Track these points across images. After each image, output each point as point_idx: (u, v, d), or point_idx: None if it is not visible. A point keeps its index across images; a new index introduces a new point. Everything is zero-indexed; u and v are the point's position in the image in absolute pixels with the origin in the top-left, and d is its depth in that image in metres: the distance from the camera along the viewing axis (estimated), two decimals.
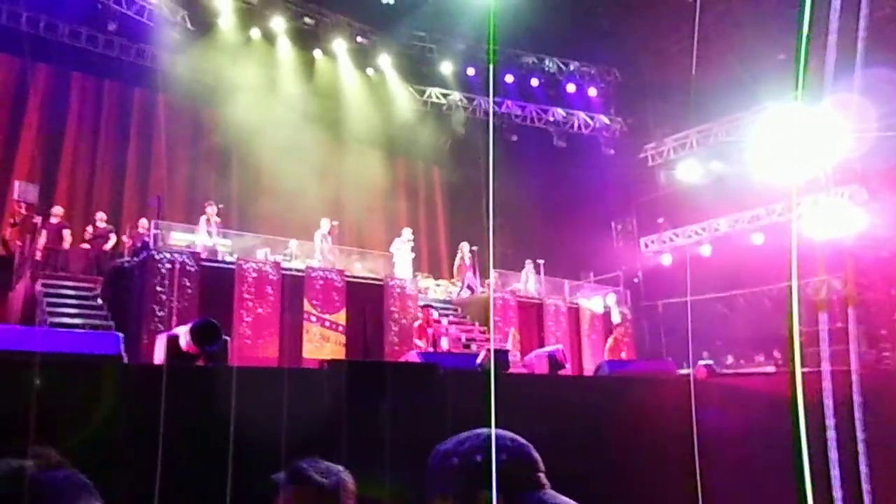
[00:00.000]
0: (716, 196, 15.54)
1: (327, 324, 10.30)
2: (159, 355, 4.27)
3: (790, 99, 14.41)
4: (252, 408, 3.22)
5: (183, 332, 4.08)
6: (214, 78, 13.70)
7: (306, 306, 10.13)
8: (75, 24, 12.90)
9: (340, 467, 1.68)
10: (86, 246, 10.75)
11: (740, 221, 15.27)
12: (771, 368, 12.49)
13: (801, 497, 1.57)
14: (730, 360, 13.90)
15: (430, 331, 10.07)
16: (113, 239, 10.78)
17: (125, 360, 4.01)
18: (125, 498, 2.68)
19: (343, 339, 10.31)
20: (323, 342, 10.17)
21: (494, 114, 17.11)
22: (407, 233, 12.33)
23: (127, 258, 10.41)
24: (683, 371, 7.80)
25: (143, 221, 10.73)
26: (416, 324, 10.26)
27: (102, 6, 12.79)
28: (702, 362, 7.37)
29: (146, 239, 10.11)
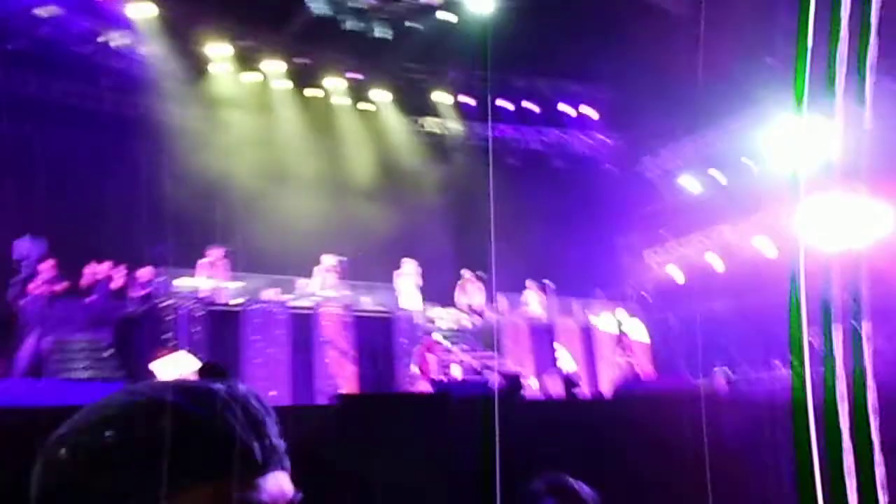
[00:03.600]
0: (718, 203, 15.51)
1: (339, 359, 10.23)
2: None
3: (787, 104, 14.40)
4: None
5: (189, 376, 4.03)
6: (211, 122, 13.84)
7: (315, 343, 10.08)
8: (66, 81, 12.99)
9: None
10: (92, 297, 10.73)
11: (745, 227, 15.19)
12: (787, 373, 12.31)
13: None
14: (745, 367, 13.70)
15: (432, 357, 9.96)
16: (117, 287, 10.77)
17: None
18: None
19: (355, 373, 10.24)
20: (336, 378, 10.10)
21: (491, 139, 17.19)
22: (410, 264, 12.27)
23: (133, 307, 10.40)
24: (700, 382, 7.71)
25: (148, 269, 10.71)
26: (415, 352, 10.13)
27: (94, 62, 12.95)
28: (718, 370, 7.26)
29: (151, 286, 10.11)
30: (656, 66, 15.41)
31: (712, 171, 16.35)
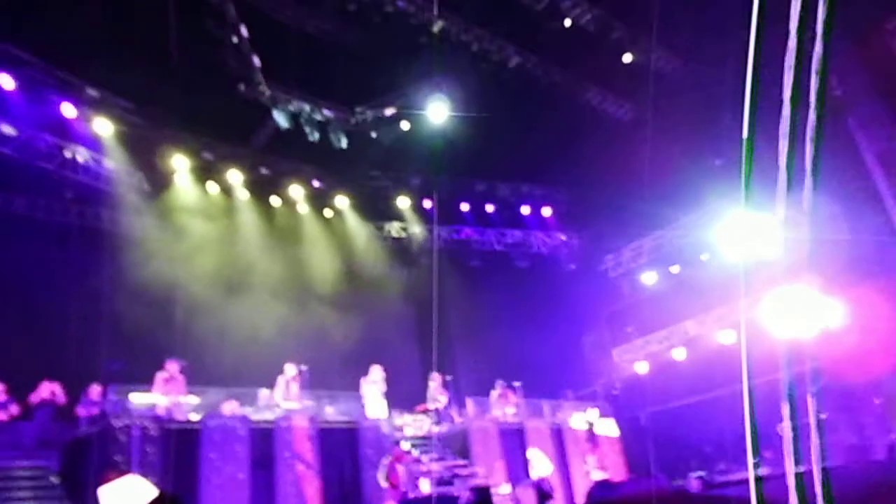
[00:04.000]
0: (680, 298, 15.76)
1: (302, 475, 9.73)
2: None
3: (736, 201, 15.05)
4: None
5: None
6: (173, 234, 13.78)
7: (278, 459, 9.60)
8: (32, 194, 12.96)
9: None
10: (36, 420, 10.17)
11: (707, 321, 15.36)
12: (765, 470, 12.10)
13: None
14: (722, 465, 13.44)
15: (402, 468, 9.50)
16: (64, 407, 10.25)
17: None
18: None
19: (320, 489, 9.71)
20: (299, 497, 9.56)
21: (454, 241, 17.42)
22: (376, 371, 12.01)
23: (83, 428, 9.85)
24: (677, 484, 7.47)
25: (97, 387, 10.28)
26: (385, 463, 9.65)
27: (59, 175, 12.96)
28: (693, 475, 7.06)
29: (103, 405, 9.64)
30: (612, 169, 16.07)
31: (672, 268, 16.72)
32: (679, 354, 15.73)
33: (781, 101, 2.51)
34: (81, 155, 13.24)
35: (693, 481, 6.12)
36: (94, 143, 13.27)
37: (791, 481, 2.56)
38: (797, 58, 2.27)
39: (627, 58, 14.60)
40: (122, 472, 8.08)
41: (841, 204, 12.33)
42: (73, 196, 13.20)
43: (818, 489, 2.59)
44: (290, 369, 11.02)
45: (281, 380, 10.94)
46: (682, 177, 14.78)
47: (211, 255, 13.49)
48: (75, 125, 12.91)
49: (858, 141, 13.05)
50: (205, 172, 14.39)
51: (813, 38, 2.28)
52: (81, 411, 10.30)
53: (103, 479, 7.98)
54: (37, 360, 11.47)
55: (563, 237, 18.30)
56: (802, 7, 2.24)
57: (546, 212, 18.02)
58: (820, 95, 2.29)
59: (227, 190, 14.66)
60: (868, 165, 12.96)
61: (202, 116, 13.25)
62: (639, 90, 15.53)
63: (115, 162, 13.34)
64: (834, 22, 2.20)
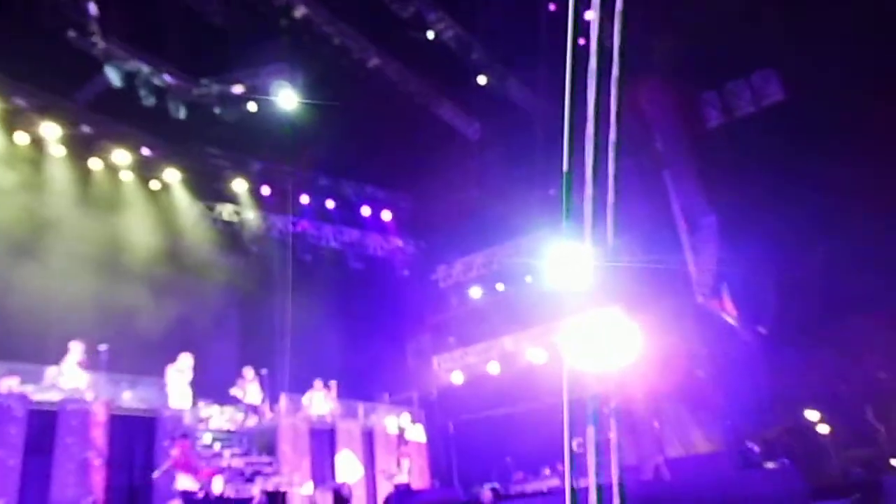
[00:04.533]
0: (502, 315, 16.58)
1: (86, 464, 8.88)
2: None
3: (559, 227, 16.18)
4: None
5: None
6: None
7: (58, 445, 8.69)
8: None
9: None
10: None
11: (523, 339, 16.27)
12: (556, 481, 13.00)
13: None
14: (519, 475, 14.24)
15: (190, 463, 8.92)
16: None
17: None
18: None
19: (104, 482, 8.92)
20: (80, 487, 8.71)
21: (288, 233, 16.95)
22: (185, 359, 11.22)
23: None
24: (472, 493, 7.79)
25: None
26: (174, 454, 8.96)
27: None
28: (487, 486, 7.41)
29: None
30: (455, 184, 16.60)
31: (498, 286, 17.53)
32: (493, 368, 16.50)
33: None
34: None
35: (486, 492, 6.41)
36: None
37: (592, 494, 2.76)
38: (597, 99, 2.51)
39: (482, 79, 15.13)
40: None
41: (647, 240, 13.70)
42: None
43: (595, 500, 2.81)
44: (77, 347, 9.93)
45: (69, 358, 9.86)
46: (519, 200, 15.61)
47: (6, 209, 11.97)
48: None
49: (669, 190, 14.57)
50: (14, 119, 12.75)
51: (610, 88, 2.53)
52: None
53: None
54: None
55: (400, 243, 18.50)
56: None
57: (386, 215, 18.11)
58: (616, 143, 2.53)
59: (38, 142, 13.06)
60: (674, 214, 14.50)
61: (21, 59, 11.76)
62: (489, 112, 16.19)
63: None
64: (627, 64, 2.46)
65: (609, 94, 2.67)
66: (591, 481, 2.89)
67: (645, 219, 13.43)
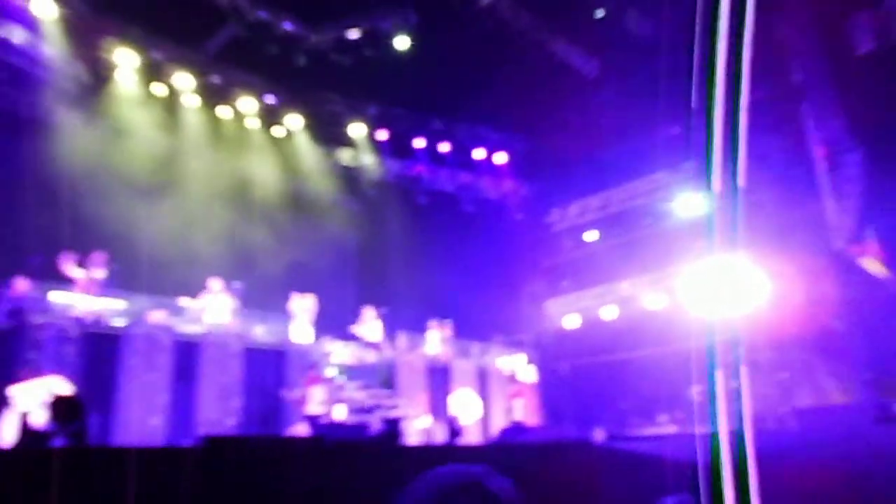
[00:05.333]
0: (619, 259, 16.13)
1: (224, 391, 9.72)
2: (9, 436, 3.78)
3: (686, 171, 15.44)
4: (111, 495, 2.88)
5: (38, 409, 3.65)
6: (112, 131, 13.17)
7: (200, 374, 9.54)
8: None
9: None
10: None
11: (641, 283, 15.81)
12: (673, 429, 12.77)
13: None
14: (634, 421, 14.11)
15: (317, 391, 9.62)
16: None
17: None
18: None
19: (240, 408, 9.75)
20: (220, 412, 9.57)
21: (403, 177, 17.25)
22: (307, 297, 11.86)
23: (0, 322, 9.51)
24: (586, 436, 7.81)
25: (21, 280, 9.86)
26: (303, 383, 9.77)
27: None
28: (599, 427, 7.37)
29: (22, 301, 9.30)
30: (570, 124, 16.08)
31: (615, 229, 17.03)
32: (609, 313, 16.20)
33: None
34: (19, 35, 12.38)
35: (598, 433, 6.39)
36: (32, 25, 12.41)
37: (718, 443, 2.68)
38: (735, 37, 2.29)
39: (600, 13, 14.41)
40: (35, 372, 7.90)
41: (778, 184, 12.72)
42: (6, 78, 12.37)
43: (730, 450, 2.71)
44: (216, 284, 10.79)
45: (208, 294, 10.74)
46: (639, 140, 14.93)
47: (148, 158, 12.98)
48: (13, 4, 12.02)
49: (806, 127, 13.37)
50: (152, 72, 13.67)
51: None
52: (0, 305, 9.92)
53: (16, 378, 7.79)
54: None
55: (514, 185, 18.32)
56: None
57: (500, 158, 17.92)
58: (749, 74, 2.31)
59: (173, 93, 13.99)
60: (812, 152, 13.34)
61: (155, 13, 12.52)
62: (607, 48, 15.43)
63: (53, 48, 12.52)
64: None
65: (742, 20, 2.44)
66: (722, 428, 2.78)
67: (778, 157, 12.45)
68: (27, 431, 3.54)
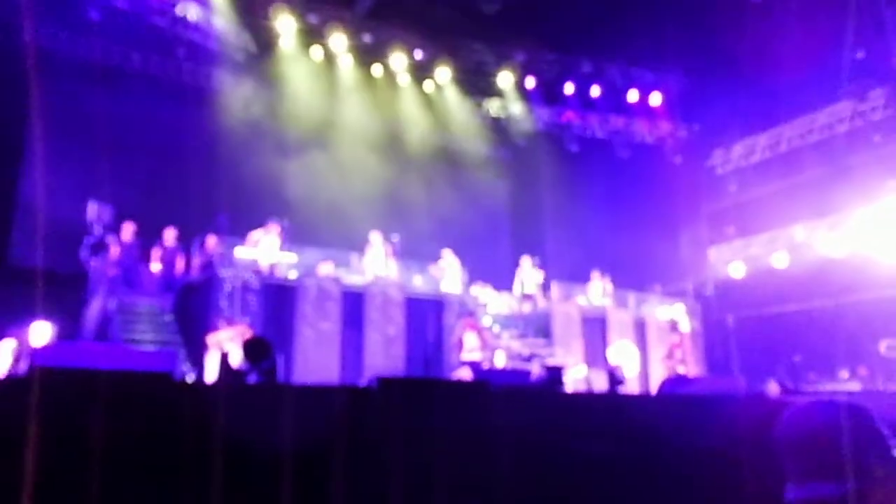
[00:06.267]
0: (790, 202, 14.81)
1: (389, 338, 10.31)
2: (211, 373, 4.30)
3: (871, 98, 13.72)
4: (297, 426, 3.16)
5: (234, 349, 4.11)
6: (277, 97, 14.12)
7: (366, 321, 10.17)
8: (147, 51, 13.47)
9: None
10: (156, 265, 11.07)
11: (816, 228, 14.45)
12: (856, 385, 11.73)
13: None
14: (811, 376, 13.13)
15: (472, 336, 9.88)
16: (181, 260, 11.05)
17: (182, 377, 4.05)
18: None
19: (404, 355, 10.30)
20: (386, 357, 10.19)
21: (555, 125, 16.89)
22: (451, 253, 12.05)
23: (195, 275, 10.70)
24: (754, 389, 7.39)
25: (213, 238, 10.95)
26: (459, 329, 10.10)
27: (171, 33, 13.33)
28: (772, 379, 6.92)
29: (213, 256, 10.38)
30: (734, 56, 14.76)
31: (786, 168, 15.62)
32: (780, 260, 14.98)
33: None
34: (193, 12, 13.48)
35: (772, 385, 6.00)
36: (205, 1, 13.46)
37: None
38: None
39: None
40: (229, 320, 8.83)
41: None
42: (185, 54, 13.59)
43: None
44: (377, 238, 11.36)
45: (369, 248, 11.34)
46: (814, 69, 13.45)
47: (309, 114, 13.85)
48: None
49: None
50: (309, 36, 14.39)
51: None
52: (195, 260, 11.13)
53: (214, 326, 8.76)
54: (157, 210, 12.38)
55: (671, 128, 17.32)
56: None
57: (655, 99, 16.95)
58: None
59: (330, 56, 14.68)
60: None
61: None
62: None
63: (223, 20, 13.53)
64: None
65: None
66: None
67: None
68: (226, 370, 4.02)
